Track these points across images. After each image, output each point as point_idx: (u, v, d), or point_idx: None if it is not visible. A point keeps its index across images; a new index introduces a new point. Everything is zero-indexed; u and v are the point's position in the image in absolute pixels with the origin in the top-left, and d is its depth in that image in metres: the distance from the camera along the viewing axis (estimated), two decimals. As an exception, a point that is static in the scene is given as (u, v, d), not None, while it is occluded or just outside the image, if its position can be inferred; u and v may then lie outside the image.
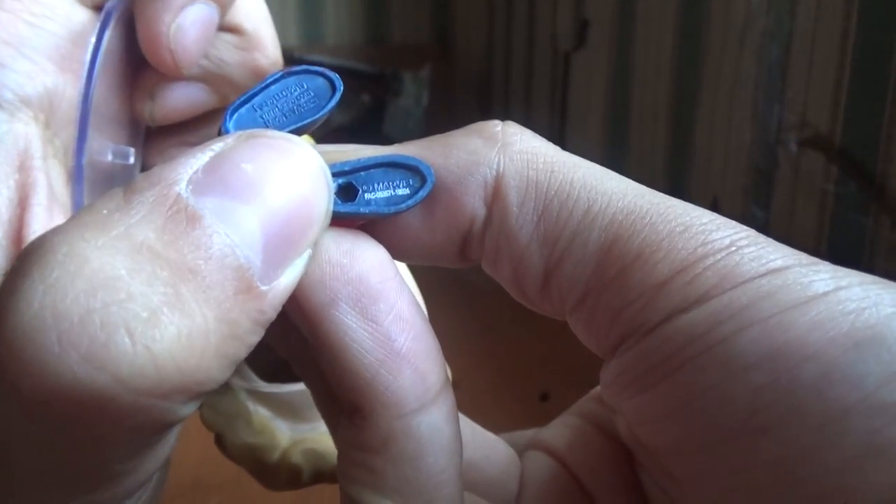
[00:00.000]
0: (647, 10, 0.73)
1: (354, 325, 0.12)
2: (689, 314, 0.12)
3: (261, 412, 0.23)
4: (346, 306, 0.12)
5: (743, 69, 0.59)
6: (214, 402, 0.23)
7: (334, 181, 0.12)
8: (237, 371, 0.21)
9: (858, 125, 0.51)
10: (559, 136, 1.03)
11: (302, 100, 0.13)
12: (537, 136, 0.14)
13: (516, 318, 0.49)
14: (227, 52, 0.21)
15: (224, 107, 0.18)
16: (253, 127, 0.13)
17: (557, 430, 0.19)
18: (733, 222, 0.13)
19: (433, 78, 1.51)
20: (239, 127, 0.13)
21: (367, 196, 0.12)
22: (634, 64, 0.77)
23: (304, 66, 0.14)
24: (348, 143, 0.14)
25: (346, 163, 0.13)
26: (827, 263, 0.12)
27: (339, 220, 0.12)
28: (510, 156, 0.13)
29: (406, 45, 1.63)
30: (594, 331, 0.13)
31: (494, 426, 0.36)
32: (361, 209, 0.12)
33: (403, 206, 0.13)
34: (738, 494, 0.12)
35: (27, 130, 0.16)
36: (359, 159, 0.13)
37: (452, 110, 1.56)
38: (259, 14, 0.22)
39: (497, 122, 0.14)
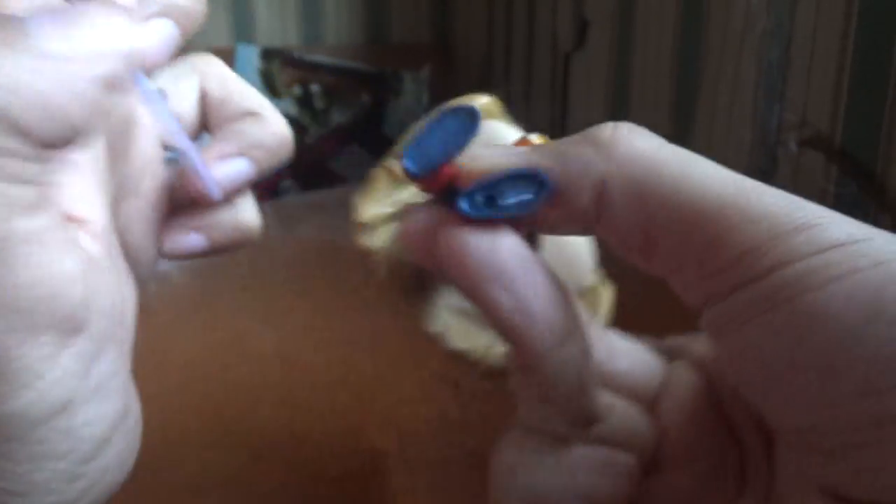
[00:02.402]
0: (646, 10, 0.73)
1: (500, 296, 0.17)
2: (790, 268, 0.15)
3: (464, 323, 0.29)
4: (494, 284, 0.17)
5: (743, 69, 0.59)
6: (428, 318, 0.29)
7: (480, 194, 0.17)
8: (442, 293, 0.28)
9: (858, 125, 0.51)
10: (559, 136, 1.03)
11: (452, 130, 0.17)
12: (647, 135, 0.17)
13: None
14: (252, 131, 0.24)
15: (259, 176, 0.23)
16: (425, 160, 0.17)
17: (705, 345, 0.22)
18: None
19: (433, 78, 1.51)
20: (415, 162, 0.17)
21: (501, 203, 0.17)
22: (634, 64, 0.77)
23: (455, 107, 0.18)
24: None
25: (486, 180, 0.17)
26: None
27: (485, 221, 0.17)
28: (614, 162, 0.17)
29: (406, 45, 1.63)
30: (696, 285, 0.17)
31: (494, 426, 0.36)
32: (499, 214, 0.17)
33: (528, 209, 0.17)
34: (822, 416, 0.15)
35: None
36: (494, 174, 0.17)
37: (452, 110, 1.56)
38: (258, 96, 0.25)
39: (610, 125, 0.17)
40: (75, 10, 0.16)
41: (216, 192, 0.22)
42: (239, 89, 0.24)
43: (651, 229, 0.17)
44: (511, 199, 0.17)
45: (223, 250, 0.24)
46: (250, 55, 1.45)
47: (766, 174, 0.58)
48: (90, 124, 0.16)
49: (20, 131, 0.15)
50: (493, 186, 0.17)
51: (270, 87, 1.38)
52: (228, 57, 1.53)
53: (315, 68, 1.41)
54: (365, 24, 1.67)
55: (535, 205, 0.17)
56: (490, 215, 0.17)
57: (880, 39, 0.48)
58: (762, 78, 0.58)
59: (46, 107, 0.15)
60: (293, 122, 1.39)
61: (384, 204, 0.27)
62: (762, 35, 0.58)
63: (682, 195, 0.16)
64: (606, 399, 0.21)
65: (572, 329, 0.18)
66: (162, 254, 0.23)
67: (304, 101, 1.40)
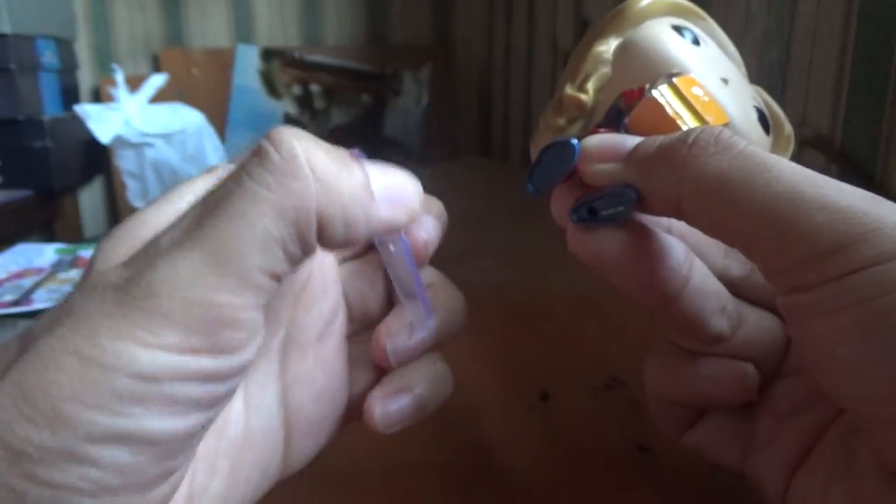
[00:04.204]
0: (647, 10, 0.73)
1: (617, 280, 0.21)
2: (877, 268, 0.15)
3: None
4: (610, 273, 0.21)
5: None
6: None
7: (584, 207, 0.21)
8: None
9: (858, 125, 0.51)
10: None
11: (556, 160, 0.21)
12: (721, 148, 0.18)
13: (516, 318, 0.49)
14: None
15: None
16: (539, 184, 0.22)
17: None
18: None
19: (433, 78, 1.51)
20: (533, 186, 0.22)
21: (601, 213, 0.20)
22: (634, 64, 0.77)
23: (555, 141, 0.21)
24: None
25: (586, 199, 0.21)
26: None
27: (591, 228, 0.21)
28: (685, 185, 0.18)
29: (406, 45, 1.63)
30: (779, 274, 0.18)
31: (494, 426, 0.36)
32: (599, 222, 0.21)
33: (619, 217, 0.20)
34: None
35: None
36: (596, 192, 0.21)
37: (452, 110, 1.56)
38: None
39: (688, 139, 0.18)
40: (390, 164, 0.20)
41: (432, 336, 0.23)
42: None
43: (727, 233, 0.18)
44: (609, 210, 0.20)
45: (428, 410, 0.24)
46: (250, 55, 1.45)
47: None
48: (350, 246, 0.20)
49: (308, 228, 0.17)
50: (593, 201, 0.21)
51: (270, 87, 1.38)
52: (228, 57, 1.53)
53: (315, 68, 1.41)
54: (365, 24, 1.67)
55: (624, 215, 0.20)
56: (591, 223, 0.21)
57: (880, 39, 0.48)
58: (762, 78, 0.58)
59: (346, 217, 0.18)
60: (293, 122, 1.39)
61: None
62: (762, 35, 0.58)
63: (755, 201, 0.17)
64: (742, 310, 0.23)
65: (682, 282, 0.21)
66: (374, 427, 0.23)
67: (304, 101, 1.40)
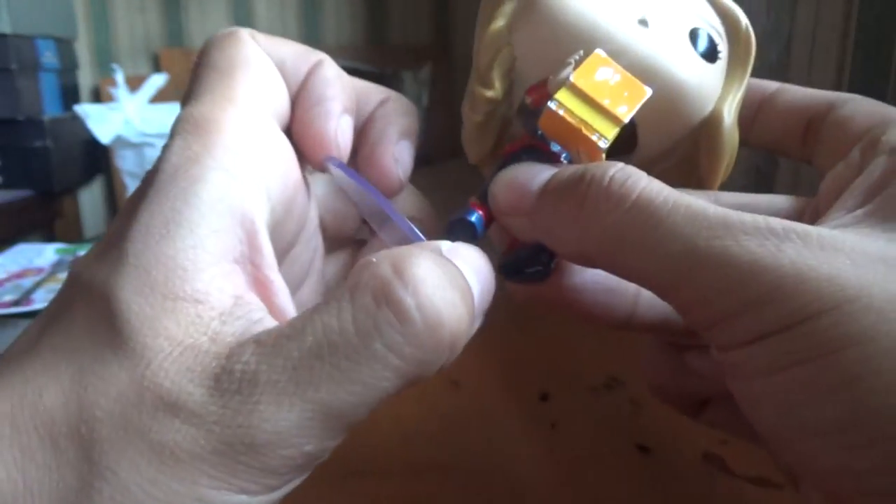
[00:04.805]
0: (647, 10, 0.73)
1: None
2: (825, 317, 0.14)
3: None
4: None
5: (743, 69, 0.59)
6: None
7: (509, 264, 0.21)
8: None
9: (858, 125, 0.51)
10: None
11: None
12: (613, 204, 0.17)
13: (516, 318, 0.49)
14: (395, 114, 0.24)
15: None
16: (511, 275, 0.21)
17: None
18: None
19: (433, 78, 1.51)
20: (506, 276, 0.21)
21: (525, 271, 0.21)
22: (634, 64, 0.77)
23: (453, 220, 0.21)
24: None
25: (514, 253, 0.21)
26: None
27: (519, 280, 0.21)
28: (586, 240, 0.18)
29: (406, 45, 1.63)
30: (710, 328, 0.16)
31: (494, 426, 0.36)
32: (523, 280, 0.21)
33: (542, 277, 0.21)
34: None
35: (249, 197, 0.18)
36: (509, 256, 0.21)
37: (452, 110, 1.56)
38: (370, 84, 0.24)
39: (581, 194, 0.17)
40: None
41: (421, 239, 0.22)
42: (359, 85, 0.24)
43: (640, 283, 0.18)
44: (531, 268, 0.20)
45: None
46: (250, 55, 1.45)
47: (766, 175, 0.58)
48: None
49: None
50: (514, 260, 0.21)
51: (270, 87, 1.38)
52: (228, 57, 1.53)
53: (315, 68, 1.41)
54: (365, 24, 1.67)
55: (543, 275, 0.20)
56: (519, 280, 0.21)
57: (880, 39, 0.48)
58: (762, 78, 0.58)
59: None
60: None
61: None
62: (762, 35, 0.58)
63: (654, 262, 0.16)
64: None
65: (631, 301, 0.21)
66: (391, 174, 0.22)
67: (304, 101, 1.40)
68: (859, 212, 0.17)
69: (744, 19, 0.22)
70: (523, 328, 0.47)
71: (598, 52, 0.19)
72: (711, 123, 0.21)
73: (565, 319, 0.49)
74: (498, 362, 0.42)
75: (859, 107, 0.21)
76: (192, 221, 0.16)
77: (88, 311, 0.16)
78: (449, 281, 0.16)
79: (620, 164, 0.17)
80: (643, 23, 0.20)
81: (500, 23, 0.21)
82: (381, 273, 0.15)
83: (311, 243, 0.23)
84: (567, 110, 0.18)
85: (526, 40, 0.21)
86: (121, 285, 0.15)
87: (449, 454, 0.33)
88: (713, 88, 0.21)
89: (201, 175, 0.17)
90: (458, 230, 0.21)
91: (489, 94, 0.22)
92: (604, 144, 0.18)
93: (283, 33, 1.55)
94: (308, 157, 0.21)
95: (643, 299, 0.21)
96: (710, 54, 0.21)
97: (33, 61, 1.27)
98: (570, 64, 0.19)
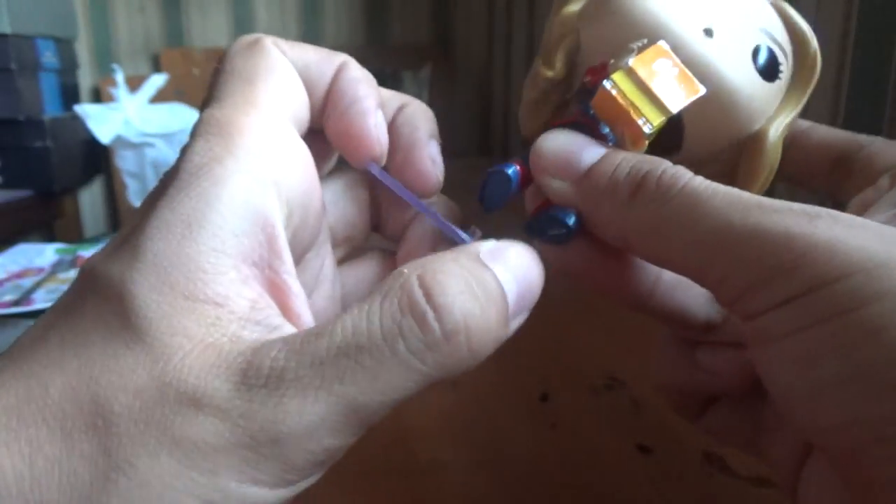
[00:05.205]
0: (647, 10, 0.73)
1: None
2: (842, 282, 0.15)
3: None
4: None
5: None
6: None
7: (535, 223, 0.21)
8: None
9: (858, 125, 0.51)
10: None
11: (500, 183, 0.22)
12: (660, 193, 0.18)
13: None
14: (417, 117, 0.24)
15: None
16: (492, 203, 0.21)
17: None
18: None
19: (433, 78, 1.51)
20: (487, 205, 0.21)
21: (548, 232, 0.21)
22: (634, 64, 0.77)
23: (492, 170, 0.21)
24: None
25: (543, 213, 0.21)
26: None
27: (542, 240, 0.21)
28: (629, 223, 0.19)
29: (406, 45, 1.63)
30: (738, 298, 0.17)
31: (494, 426, 0.36)
32: (544, 240, 0.21)
33: (563, 242, 0.21)
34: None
35: (270, 201, 0.18)
36: (536, 216, 0.21)
37: (452, 110, 1.56)
38: (386, 91, 0.24)
39: (634, 181, 0.18)
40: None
41: (468, 239, 0.22)
42: (380, 93, 0.24)
43: (675, 268, 0.19)
44: (554, 231, 0.20)
45: None
46: (250, 55, 1.45)
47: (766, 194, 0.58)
48: None
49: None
50: (542, 219, 0.21)
51: (270, 87, 1.38)
52: (228, 57, 1.53)
53: (315, 68, 1.41)
54: (365, 24, 1.67)
55: (565, 240, 0.20)
56: (541, 240, 0.21)
57: (880, 39, 0.48)
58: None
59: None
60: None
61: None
62: (762, 35, 0.58)
63: (690, 240, 0.17)
64: None
65: (652, 280, 0.21)
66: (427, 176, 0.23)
67: (304, 101, 1.40)
68: (884, 215, 0.19)
69: (814, 43, 0.22)
70: (523, 328, 0.47)
71: (662, 43, 0.20)
72: (756, 138, 0.22)
73: (566, 319, 0.49)
74: (498, 362, 0.42)
75: (887, 145, 0.23)
76: (214, 223, 0.16)
77: (100, 305, 0.15)
78: (474, 289, 0.16)
79: (669, 163, 0.18)
80: (708, 32, 0.20)
81: (572, 8, 0.22)
82: (407, 283, 0.16)
83: (323, 250, 0.23)
84: (620, 91, 0.19)
85: (593, 29, 0.22)
86: (137, 281, 0.15)
87: (448, 454, 0.33)
88: (766, 106, 0.22)
89: (224, 177, 0.17)
90: (495, 181, 0.21)
91: (549, 73, 0.23)
92: (648, 130, 0.19)
93: (283, 33, 1.55)
94: (350, 155, 0.22)
95: (665, 281, 0.22)
96: (770, 73, 0.21)
97: (33, 61, 1.27)
98: (632, 50, 0.20)
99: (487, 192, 0.21)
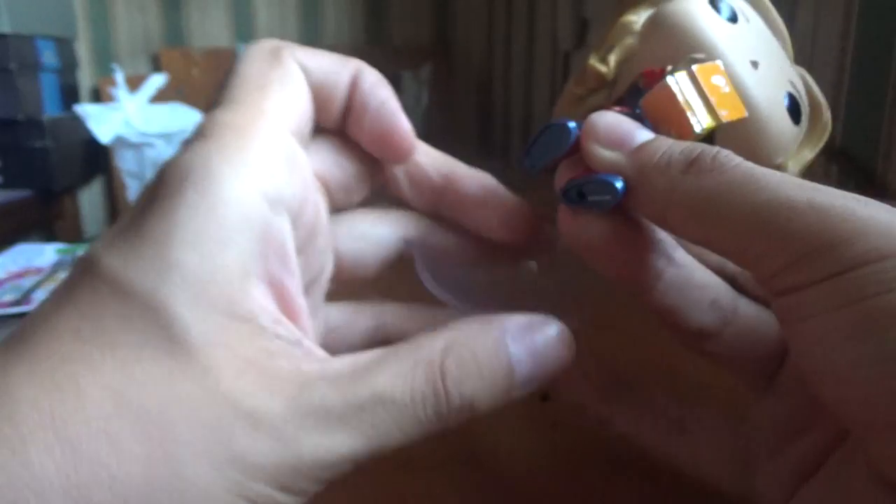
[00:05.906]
0: (647, 10, 0.73)
1: (602, 268, 0.22)
2: (870, 266, 0.16)
3: None
4: (593, 257, 0.22)
5: (743, 69, 0.59)
6: None
7: (575, 188, 0.21)
8: None
9: (858, 125, 0.51)
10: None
11: (554, 139, 0.22)
12: (715, 166, 0.19)
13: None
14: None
15: None
16: (536, 161, 0.22)
17: None
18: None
19: (433, 78, 1.51)
20: (530, 162, 0.22)
21: (589, 198, 0.21)
22: (634, 64, 0.77)
23: (554, 122, 0.21)
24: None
25: (583, 178, 0.21)
26: None
27: (577, 210, 0.21)
28: (677, 196, 0.19)
29: (406, 45, 1.63)
30: (771, 276, 0.18)
31: (494, 426, 0.36)
32: (585, 206, 0.21)
33: (603, 207, 0.20)
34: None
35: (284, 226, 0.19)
36: (591, 175, 0.21)
37: (452, 110, 1.56)
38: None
39: (689, 157, 0.19)
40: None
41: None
42: (324, 63, 0.23)
43: (716, 246, 0.19)
44: (595, 196, 0.21)
45: None
46: (250, 55, 1.45)
47: (766, 174, 0.58)
48: None
49: None
50: (584, 184, 0.21)
51: (270, 87, 1.38)
52: (228, 57, 1.53)
53: (315, 68, 1.41)
54: (365, 24, 1.67)
55: (609, 205, 0.21)
56: (578, 206, 0.21)
57: (880, 39, 0.48)
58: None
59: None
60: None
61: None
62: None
63: (742, 212, 0.18)
64: (740, 304, 0.23)
65: (659, 270, 0.22)
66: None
67: (304, 101, 1.39)
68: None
69: (826, 113, 0.26)
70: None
71: (719, 62, 0.21)
72: (777, 168, 0.24)
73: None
74: (498, 362, 0.41)
75: None
76: (239, 245, 0.17)
77: (127, 312, 0.16)
78: (484, 370, 0.19)
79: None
80: (754, 64, 0.22)
81: (632, 17, 0.24)
82: (430, 358, 0.18)
83: (324, 276, 0.23)
84: (680, 90, 0.20)
85: (652, 40, 0.23)
86: (175, 296, 0.16)
87: (448, 453, 0.33)
88: (789, 143, 0.24)
89: (239, 194, 0.17)
90: (552, 131, 0.21)
91: (602, 69, 0.25)
92: (699, 130, 0.20)
93: (283, 33, 1.55)
94: (389, 155, 0.23)
95: (670, 276, 0.22)
96: (795, 116, 0.23)
97: (33, 61, 1.27)
98: (692, 60, 0.21)
99: (537, 146, 0.22)
